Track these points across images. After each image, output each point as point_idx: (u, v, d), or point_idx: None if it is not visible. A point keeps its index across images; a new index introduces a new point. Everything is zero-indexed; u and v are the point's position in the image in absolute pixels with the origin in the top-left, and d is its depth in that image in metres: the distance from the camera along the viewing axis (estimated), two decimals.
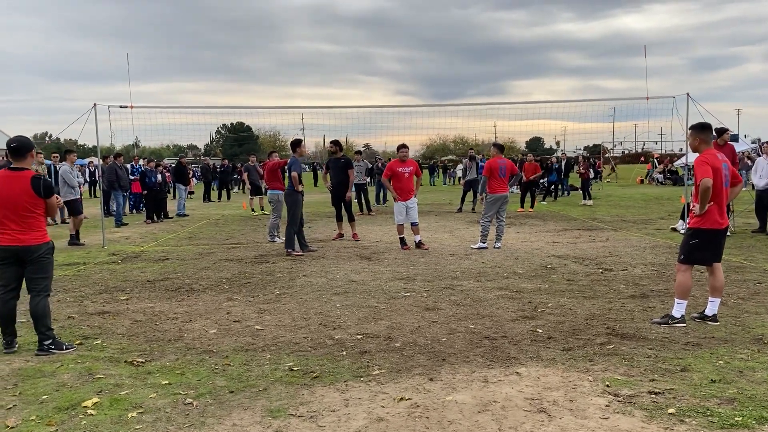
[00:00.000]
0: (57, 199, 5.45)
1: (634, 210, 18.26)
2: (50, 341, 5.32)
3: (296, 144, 11.20)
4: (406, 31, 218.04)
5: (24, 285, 5.42)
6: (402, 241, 11.06)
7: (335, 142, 12.85)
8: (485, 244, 10.86)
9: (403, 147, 11.33)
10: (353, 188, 13.55)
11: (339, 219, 12.59)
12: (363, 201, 18.32)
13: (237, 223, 16.41)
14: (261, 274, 8.76)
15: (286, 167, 11.08)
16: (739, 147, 21.97)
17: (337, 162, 12.35)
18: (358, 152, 20.64)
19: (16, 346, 5.41)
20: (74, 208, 12.65)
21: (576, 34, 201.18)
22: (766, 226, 11.95)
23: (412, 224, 11.11)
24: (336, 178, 12.31)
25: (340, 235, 12.57)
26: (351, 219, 12.39)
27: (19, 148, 5.26)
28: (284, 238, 10.90)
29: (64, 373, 4.77)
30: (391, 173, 11.10)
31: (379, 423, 3.76)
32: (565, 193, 25.92)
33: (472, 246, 10.97)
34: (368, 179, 20.93)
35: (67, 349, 5.35)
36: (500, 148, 11.56)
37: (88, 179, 28.15)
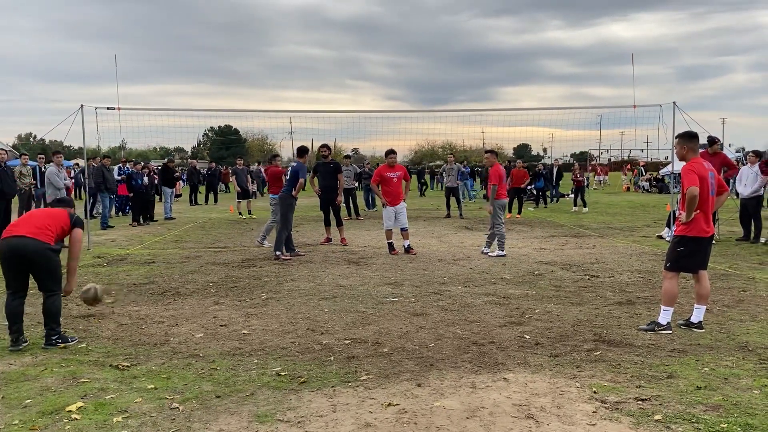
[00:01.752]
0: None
1: (621, 217, 18.39)
2: (57, 336, 5.52)
3: (305, 151, 11.22)
4: (396, 36, 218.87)
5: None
6: (390, 246, 11.06)
7: (326, 146, 12.86)
8: (504, 252, 10.65)
9: (391, 152, 11.38)
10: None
11: (327, 224, 12.56)
12: (351, 205, 18.31)
13: (224, 227, 16.33)
14: (248, 278, 8.72)
15: (290, 172, 11.04)
16: None
17: (326, 166, 12.34)
18: (347, 156, 20.64)
19: (23, 345, 5.45)
20: None
21: (564, 42, 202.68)
22: (751, 234, 12.09)
23: (402, 229, 11.14)
24: (324, 182, 12.30)
25: (328, 240, 12.55)
26: (339, 224, 12.37)
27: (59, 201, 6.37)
28: (273, 243, 10.89)
29: (48, 377, 4.71)
30: (379, 178, 11.14)
31: (367, 428, 3.74)
32: (554, 200, 26.06)
33: (491, 254, 10.65)
34: (356, 183, 20.91)
35: (71, 341, 5.58)
36: (496, 154, 11.58)
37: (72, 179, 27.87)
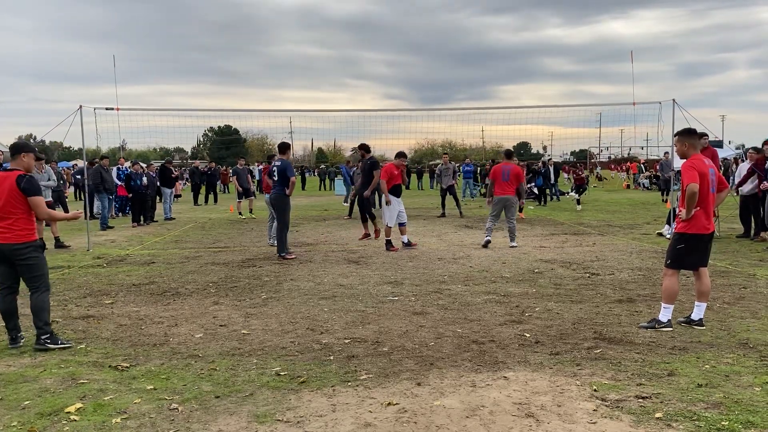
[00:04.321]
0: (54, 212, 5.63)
1: (621, 215, 18.36)
2: (47, 336, 5.40)
3: (286, 147, 11.12)
4: (395, 35, 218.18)
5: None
6: (389, 243, 11.24)
7: (363, 146, 12.95)
8: (486, 238, 11.66)
9: (402, 155, 12.10)
10: (349, 189, 13.53)
11: (364, 220, 12.99)
12: (350, 204, 18.34)
13: (224, 227, 16.32)
14: (248, 278, 8.70)
15: (277, 171, 10.79)
16: (723, 153, 22.18)
17: (364, 164, 12.74)
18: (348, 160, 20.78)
19: (21, 341, 5.45)
20: None
21: (564, 40, 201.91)
22: (751, 231, 12.07)
23: (401, 224, 11.47)
24: (361, 180, 12.77)
25: (367, 235, 12.93)
26: (367, 219, 12.82)
27: (11, 148, 5.56)
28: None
29: (47, 378, 4.70)
30: (389, 176, 11.53)
31: (367, 428, 3.73)
32: (555, 197, 26.04)
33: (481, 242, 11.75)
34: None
35: (62, 344, 5.43)
36: (508, 154, 12.44)
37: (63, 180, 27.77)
